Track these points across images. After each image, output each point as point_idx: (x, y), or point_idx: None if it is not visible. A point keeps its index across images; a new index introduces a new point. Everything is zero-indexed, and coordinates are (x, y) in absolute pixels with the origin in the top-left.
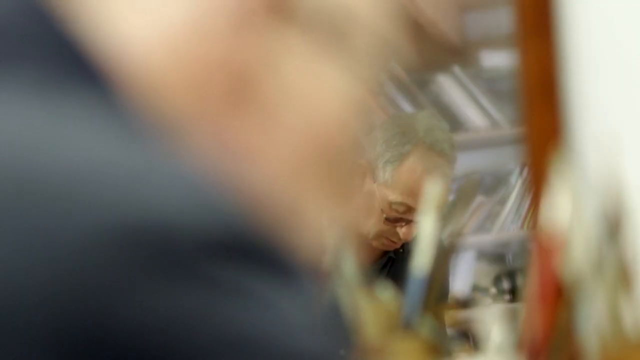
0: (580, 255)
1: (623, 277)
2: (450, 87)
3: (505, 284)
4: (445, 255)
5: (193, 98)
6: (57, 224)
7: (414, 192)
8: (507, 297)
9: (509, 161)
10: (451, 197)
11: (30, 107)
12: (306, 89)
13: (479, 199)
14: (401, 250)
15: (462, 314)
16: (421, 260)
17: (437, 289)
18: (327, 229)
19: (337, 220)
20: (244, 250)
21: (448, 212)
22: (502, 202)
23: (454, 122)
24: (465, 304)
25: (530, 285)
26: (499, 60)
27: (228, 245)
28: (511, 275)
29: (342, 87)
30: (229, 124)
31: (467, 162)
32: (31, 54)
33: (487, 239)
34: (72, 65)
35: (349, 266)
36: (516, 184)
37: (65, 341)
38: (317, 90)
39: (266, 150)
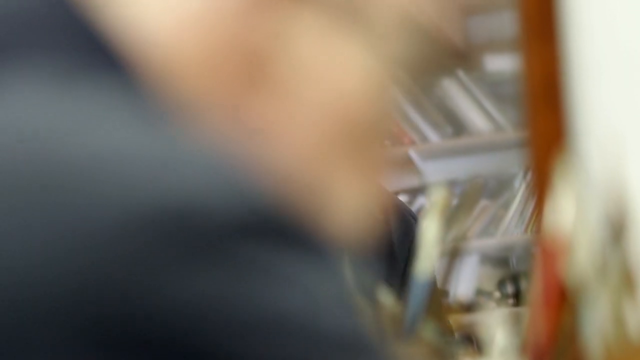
0: (584, 259)
1: (627, 281)
2: (454, 91)
3: (509, 288)
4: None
5: (210, 79)
6: (84, 213)
7: None
8: (511, 300)
9: (513, 165)
10: (455, 201)
11: (52, 96)
12: (325, 66)
13: (483, 202)
14: None
15: (466, 318)
16: (424, 265)
17: (440, 292)
18: (355, 207)
19: (365, 196)
20: (272, 230)
21: (452, 216)
22: (506, 206)
23: (458, 125)
24: (469, 307)
25: (534, 288)
26: (502, 64)
27: (256, 225)
28: (515, 279)
29: (362, 63)
30: (248, 104)
31: (470, 166)
32: (51, 43)
33: (491, 242)
34: (93, 53)
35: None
36: (520, 188)
37: (97, 330)
38: (337, 67)
39: (287, 128)
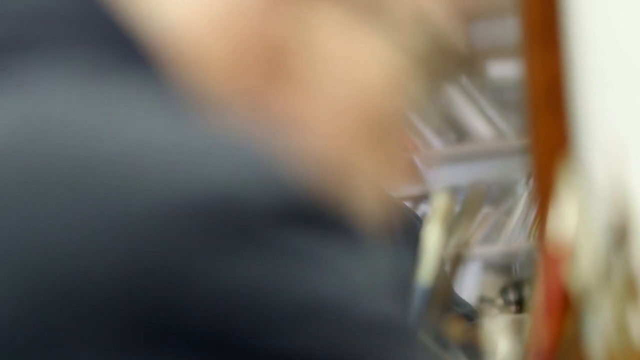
0: (587, 266)
1: (630, 288)
2: (456, 97)
3: (512, 295)
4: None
5: (234, 72)
6: (122, 205)
7: None
8: (514, 308)
9: (516, 171)
10: (457, 208)
11: (85, 91)
12: (345, 58)
13: (485, 209)
14: None
15: (469, 325)
16: (426, 270)
17: (441, 298)
18: (380, 194)
19: (384, 186)
20: (308, 217)
21: (454, 223)
22: (509, 212)
23: (461, 132)
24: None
25: (537, 296)
26: (505, 70)
27: (291, 213)
28: (518, 286)
29: (383, 55)
30: (272, 96)
31: (473, 173)
32: (81, 38)
33: (494, 249)
34: (121, 47)
35: None
36: (523, 195)
37: (140, 321)
38: (357, 59)
39: (311, 119)
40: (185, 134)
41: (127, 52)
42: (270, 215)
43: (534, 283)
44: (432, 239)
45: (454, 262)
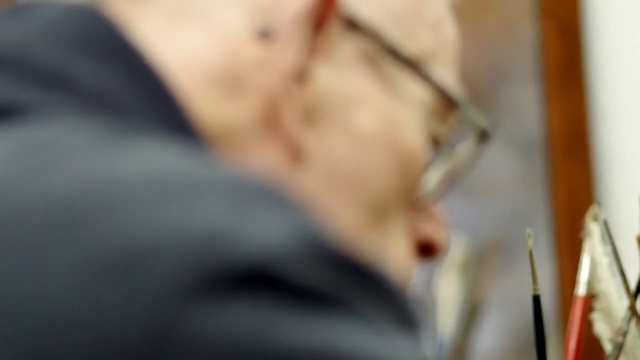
0: (612, 315)
1: None
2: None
3: (534, 346)
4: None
5: (252, 138)
6: (152, 268)
7: None
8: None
9: (536, 220)
10: (474, 257)
11: (97, 138)
12: (367, 123)
13: (504, 259)
14: None
15: None
16: (444, 323)
17: (462, 349)
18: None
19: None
20: (354, 280)
21: (472, 272)
22: (529, 262)
23: (478, 180)
24: None
25: (562, 346)
26: (525, 115)
27: (338, 275)
28: (539, 336)
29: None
30: (291, 168)
31: (492, 221)
32: (102, 95)
33: (514, 299)
34: (154, 113)
35: None
36: (544, 244)
37: None
38: (378, 121)
39: (332, 203)
40: (223, 195)
41: (145, 111)
42: (315, 280)
43: (558, 334)
44: (449, 290)
45: (472, 313)
